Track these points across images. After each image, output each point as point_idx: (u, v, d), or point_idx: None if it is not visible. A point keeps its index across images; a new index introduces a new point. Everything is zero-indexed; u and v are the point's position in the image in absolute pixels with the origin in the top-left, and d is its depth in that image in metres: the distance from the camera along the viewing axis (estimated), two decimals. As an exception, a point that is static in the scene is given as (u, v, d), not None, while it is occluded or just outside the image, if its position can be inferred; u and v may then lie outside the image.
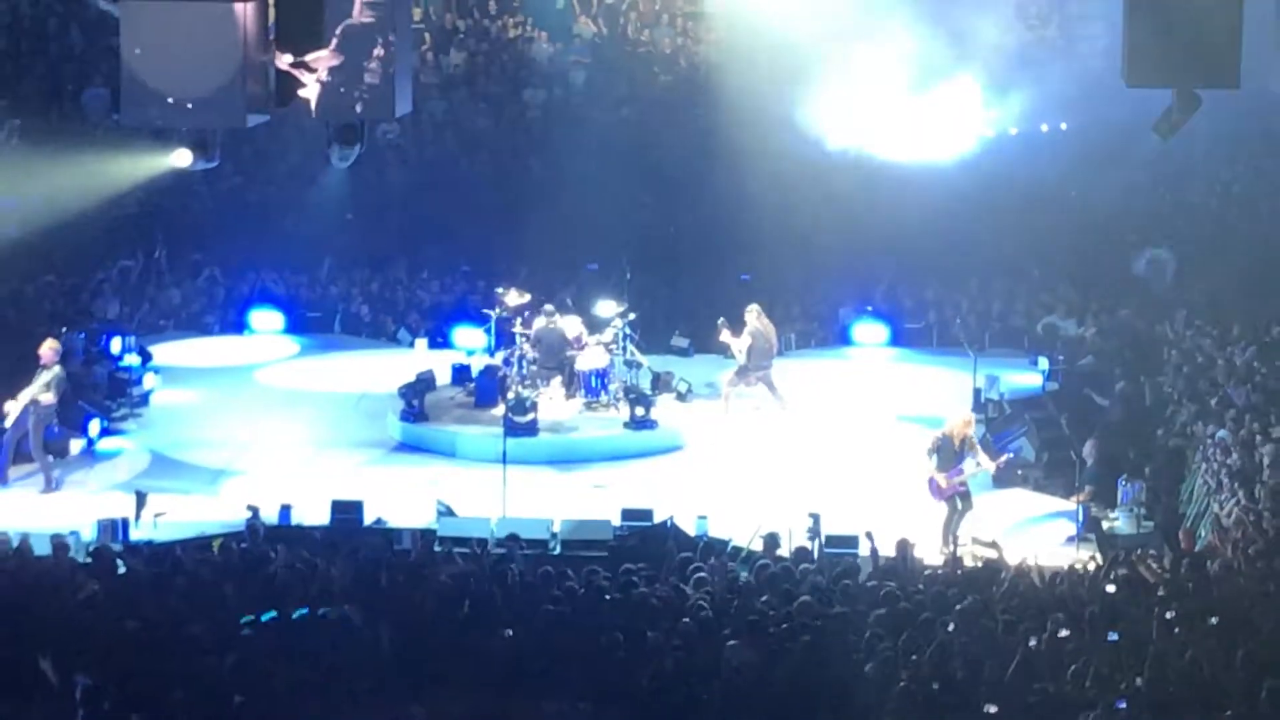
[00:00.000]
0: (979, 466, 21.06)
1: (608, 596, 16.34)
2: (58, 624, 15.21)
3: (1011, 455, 22.85)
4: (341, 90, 17.78)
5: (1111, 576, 17.91)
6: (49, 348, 22.91)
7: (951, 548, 20.17)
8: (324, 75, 17.66)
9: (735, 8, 32.66)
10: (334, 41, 17.66)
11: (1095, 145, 30.63)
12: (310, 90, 17.75)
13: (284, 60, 17.68)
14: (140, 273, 30.78)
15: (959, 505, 20.75)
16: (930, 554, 19.62)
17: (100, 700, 13.42)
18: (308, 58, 17.67)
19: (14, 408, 22.51)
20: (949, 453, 20.82)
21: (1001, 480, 22.90)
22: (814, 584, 17.03)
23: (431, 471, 23.59)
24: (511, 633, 14.94)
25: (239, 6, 17.56)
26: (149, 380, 26.95)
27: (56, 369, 22.77)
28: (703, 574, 17.30)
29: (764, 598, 16.34)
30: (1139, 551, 19.55)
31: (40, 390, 22.52)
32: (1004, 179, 31.26)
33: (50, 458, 23.01)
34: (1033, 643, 14.97)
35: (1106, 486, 21.95)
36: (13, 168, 27.90)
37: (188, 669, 14.19)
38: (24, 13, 32.86)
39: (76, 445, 24.13)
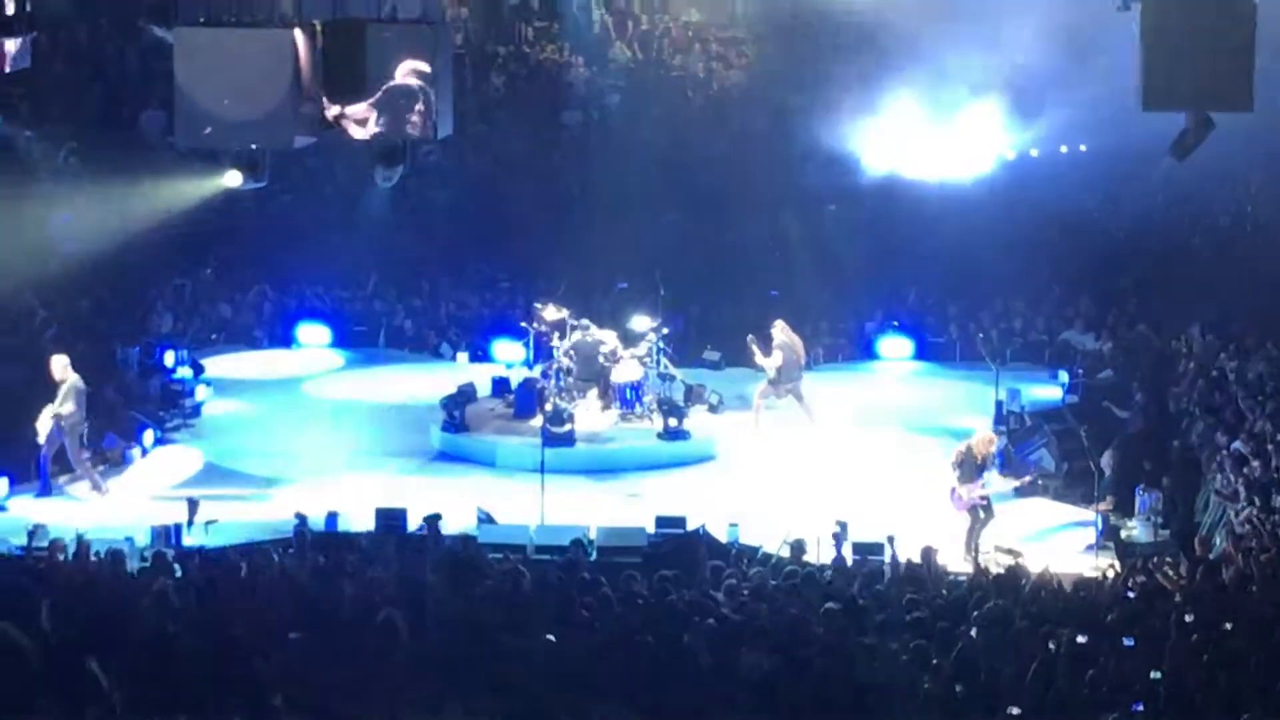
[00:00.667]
0: (995, 484, 21.56)
1: (641, 601, 16.57)
2: (111, 626, 15.48)
3: (1032, 476, 23.32)
4: (383, 134, 18.42)
5: (1130, 583, 18.35)
6: (57, 365, 23.09)
7: (974, 555, 20.66)
8: (367, 126, 18.26)
9: (765, 33, 33.15)
10: (377, 97, 18.28)
11: (1114, 166, 30.97)
12: (355, 133, 18.37)
13: (330, 111, 18.27)
14: (192, 288, 31.40)
15: (981, 515, 21.14)
16: (953, 561, 19.94)
17: (146, 700, 13.68)
18: (349, 111, 18.25)
19: (43, 426, 22.85)
20: (971, 466, 21.16)
21: (1022, 490, 23.28)
22: (839, 590, 17.34)
23: (472, 480, 23.91)
24: (554, 638, 15.12)
25: (289, 34, 18.25)
26: (201, 392, 27.37)
27: (71, 380, 22.99)
28: (732, 580, 17.56)
29: (790, 603, 16.55)
30: (1155, 559, 20.01)
31: (60, 404, 22.81)
32: (1025, 199, 31.60)
33: (95, 464, 23.30)
34: (1052, 647, 15.16)
35: (1124, 496, 22.17)
36: (70, 188, 28.44)
37: (233, 671, 14.49)
38: (82, 39, 33.23)
39: (131, 454, 24.57)
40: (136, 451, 24.77)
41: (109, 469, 23.88)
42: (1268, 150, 30.31)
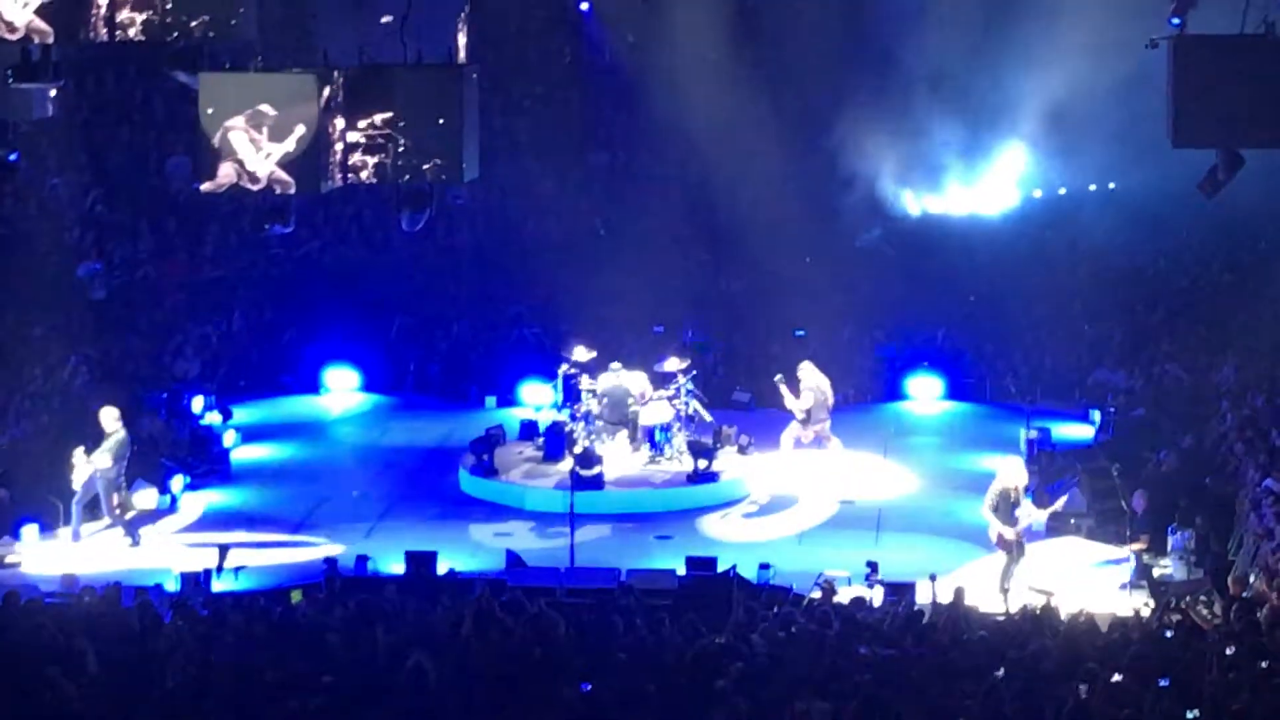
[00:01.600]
0: (1031, 515, 21.50)
1: (674, 644, 16.56)
2: (148, 670, 15.66)
3: (1068, 497, 23.19)
4: (406, 175, 18.49)
5: (1164, 622, 18.30)
6: (108, 417, 23.17)
7: (1007, 593, 20.57)
8: (388, 159, 18.33)
9: (790, 70, 33.22)
10: (400, 125, 18.33)
11: (1142, 203, 30.96)
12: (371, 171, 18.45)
13: (354, 136, 18.34)
14: (220, 334, 31.53)
15: (1015, 553, 21.18)
16: (985, 601, 19.95)
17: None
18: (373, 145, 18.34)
19: (81, 473, 22.90)
20: (1006, 505, 21.16)
21: (1055, 529, 23.35)
22: (872, 632, 17.34)
23: (501, 523, 23.88)
24: (590, 687, 15.06)
25: (314, 79, 18.31)
26: (229, 437, 27.43)
27: (119, 434, 23.11)
28: (765, 622, 17.53)
29: (824, 646, 16.51)
30: (1189, 599, 19.92)
31: (102, 458, 22.86)
32: (1055, 236, 31.60)
33: (129, 515, 23.32)
34: (1085, 688, 15.07)
35: (1157, 535, 22.06)
36: (98, 233, 28.54)
37: (270, 713, 14.68)
38: (109, 85, 33.57)
39: (159, 500, 24.54)
40: (165, 499, 24.74)
41: (140, 518, 23.84)
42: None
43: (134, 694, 14.75)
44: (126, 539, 23.04)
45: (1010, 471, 21.51)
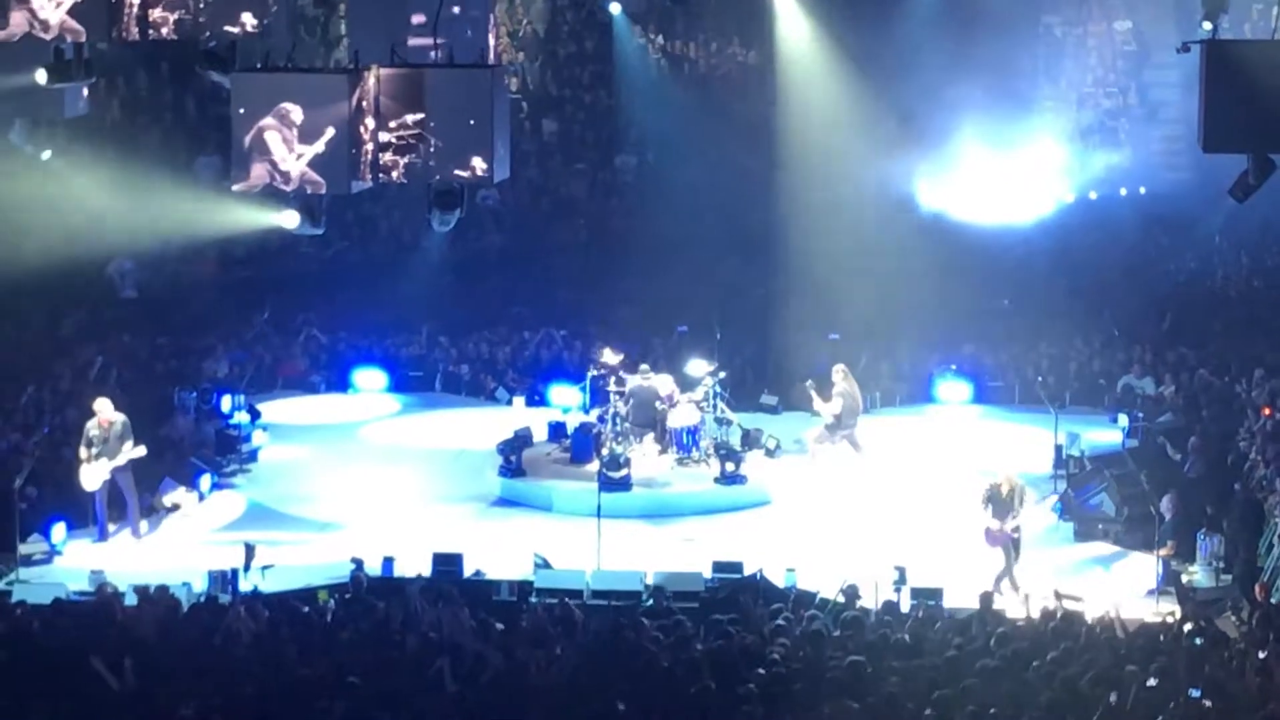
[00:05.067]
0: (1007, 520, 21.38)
1: (700, 647, 16.59)
2: (184, 668, 15.81)
3: (1092, 508, 23.10)
4: (437, 171, 18.50)
5: (1191, 629, 18.24)
6: (103, 407, 23.06)
7: (1024, 599, 20.44)
8: (419, 159, 18.35)
9: (819, 76, 33.19)
10: (431, 125, 18.35)
11: (1173, 209, 30.88)
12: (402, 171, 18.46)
13: (385, 136, 18.37)
14: (249, 333, 31.54)
15: (1011, 554, 21.19)
16: (1012, 606, 19.93)
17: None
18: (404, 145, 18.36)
19: (95, 477, 22.86)
20: (1000, 502, 21.22)
21: (1083, 534, 23.30)
22: (897, 637, 17.27)
23: (529, 525, 23.88)
24: (624, 707, 14.95)
25: (345, 79, 18.35)
26: (257, 437, 27.42)
27: (119, 421, 22.99)
28: (784, 625, 17.55)
29: (847, 650, 16.52)
30: (1217, 604, 19.86)
31: (119, 455, 22.88)
32: (1084, 242, 31.51)
33: (149, 511, 23.46)
34: (1114, 696, 15.10)
35: (1186, 541, 22.05)
36: (129, 233, 28.61)
37: (296, 713, 14.75)
38: (141, 84, 33.72)
39: (188, 499, 24.61)
40: (193, 497, 24.80)
41: (164, 514, 23.89)
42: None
43: (174, 693, 14.75)
44: (133, 537, 23.08)
45: (1008, 470, 21.59)
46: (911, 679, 15.61)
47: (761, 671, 15.59)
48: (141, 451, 23.05)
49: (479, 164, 18.39)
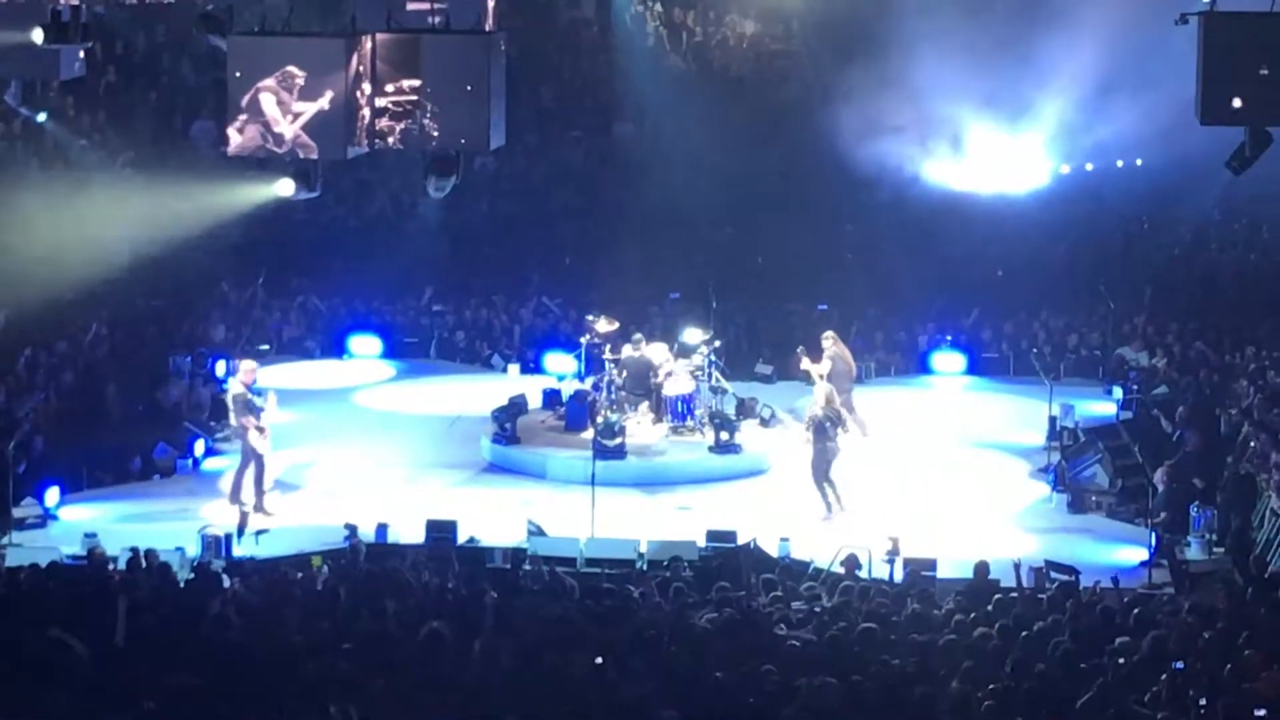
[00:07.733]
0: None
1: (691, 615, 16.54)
2: (178, 634, 15.76)
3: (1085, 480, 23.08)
4: (434, 135, 18.45)
5: (1183, 602, 18.24)
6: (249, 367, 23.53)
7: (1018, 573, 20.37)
8: (415, 125, 18.31)
9: (819, 43, 33.16)
10: (428, 91, 18.30)
11: (1169, 180, 30.86)
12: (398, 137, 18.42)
13: (381, 101, 18.33)
14: (244, 298, 31.50)
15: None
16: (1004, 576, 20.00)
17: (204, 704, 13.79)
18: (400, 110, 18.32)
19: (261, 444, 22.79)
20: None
21: (1077, 506, 23.37)
22: (892, 610, 17.22)
23: (523, 493, 23.89)
24: (601, 660, 14.89)
25: (342, 43, 18.31)
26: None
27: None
28: (779, 594, 17.57)
29: (844, 621, 16.46)
30: (1209, 576, 19.88)
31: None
32: (1080, 214, 31.49)
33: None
34: (1108, 663, 15.08)
35: (1179, 513, 22.07)
36: (125, 197, 28.56)
37: (288, 676, 14.71)
38: (137, 48, 33.59)
39: (183, 464, 24.70)
40: (187, 462, 24.81)
41: (160, 480, 23.88)
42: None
43: (167, 658, 14.78)
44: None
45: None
46: (907, 649, 15.55)
47: (756, 639, 15.56)
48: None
49: (475, 130, 18.37)
